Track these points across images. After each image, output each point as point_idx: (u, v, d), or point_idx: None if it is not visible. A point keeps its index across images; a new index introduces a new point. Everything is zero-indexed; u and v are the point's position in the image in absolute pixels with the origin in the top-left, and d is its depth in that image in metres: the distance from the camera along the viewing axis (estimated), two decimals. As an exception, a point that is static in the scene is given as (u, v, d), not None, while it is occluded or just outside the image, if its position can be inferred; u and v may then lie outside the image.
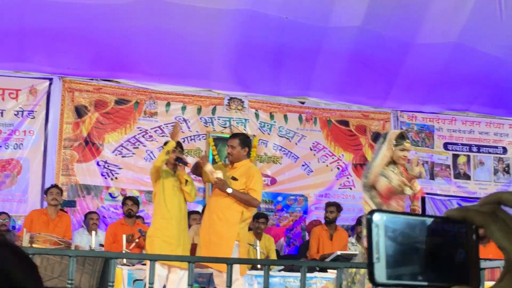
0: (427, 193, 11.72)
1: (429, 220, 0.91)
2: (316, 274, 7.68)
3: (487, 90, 11.48)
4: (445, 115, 12.16)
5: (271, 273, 7.10)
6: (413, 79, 10.99)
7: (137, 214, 9.44)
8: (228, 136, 8.24)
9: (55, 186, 9.27)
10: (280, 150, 11.42)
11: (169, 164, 7.04)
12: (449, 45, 10.22)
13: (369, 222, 0.89)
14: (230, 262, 4.54)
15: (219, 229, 6.60)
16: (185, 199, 7.05)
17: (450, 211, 0.92)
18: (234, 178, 6.72)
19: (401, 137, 6.24)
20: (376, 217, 0.88)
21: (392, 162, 6.27)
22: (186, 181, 6.97)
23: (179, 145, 7.17)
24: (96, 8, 9.22)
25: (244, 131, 10.75)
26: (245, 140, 6.96)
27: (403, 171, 6.30)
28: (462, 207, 0.92)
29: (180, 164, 6.95)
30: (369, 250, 0.88)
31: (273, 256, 9.28)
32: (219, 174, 6.64)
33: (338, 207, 9.85)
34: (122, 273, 7.18)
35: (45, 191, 9.27)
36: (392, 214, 0.90)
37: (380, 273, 0.87)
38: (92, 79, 10.73)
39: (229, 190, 6.59)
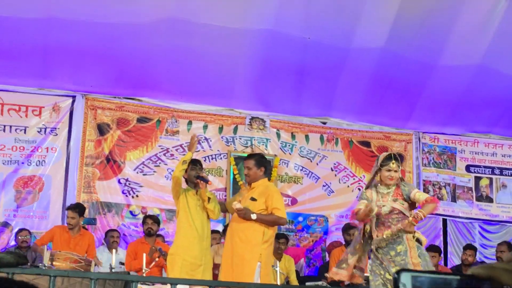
0: (449, 216, 11.64)
1: (455, 279, 0.91)
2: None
3: (510, 113, 11.42)
4: (468, 137, 12.09)
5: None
6: (436, 101, 10.95)
7: (158, 233, 9.43)
8: (249, 155, 8.21)
9: (70, 207, 9.00)
10: (301, 170, 11.38)
11: (191, 183, 7.04)
12: (472, 67, 10.18)
13: (396, 281, 0.88)
14: (251, 287, 4.51)
15: (241, 251, 6.56)
16: (208, 217, 7.02)
17: (476, 269, 0.91)
18: (253, 199, 6.71)
19: (388, 157, 6.16)
20: (403, 276, 0.88)
21: (381, 182, 6.19)
22: (209, 198, 6.95)
23: (198, 162, 7.17)
24: (119, 27, 9.28)
25: (265, 151, 10.77)
26: (260, 160, 6.94)
27: (396, 191, 6.16)
28: (488, 265, 0.91)
29: (202, 182, 6.94)
30: None
31: (293, 277, 9.22)
32: (238, 206, 6.62)
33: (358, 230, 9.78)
34: (142, 292, 7.17)
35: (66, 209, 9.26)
36: (418, 273, 0.90)
37: None
38: (114, 97, 10.77)
39: (253, 216, 6.57)
